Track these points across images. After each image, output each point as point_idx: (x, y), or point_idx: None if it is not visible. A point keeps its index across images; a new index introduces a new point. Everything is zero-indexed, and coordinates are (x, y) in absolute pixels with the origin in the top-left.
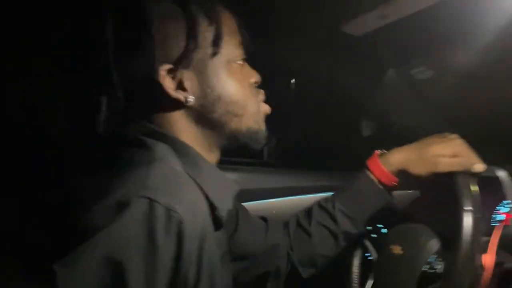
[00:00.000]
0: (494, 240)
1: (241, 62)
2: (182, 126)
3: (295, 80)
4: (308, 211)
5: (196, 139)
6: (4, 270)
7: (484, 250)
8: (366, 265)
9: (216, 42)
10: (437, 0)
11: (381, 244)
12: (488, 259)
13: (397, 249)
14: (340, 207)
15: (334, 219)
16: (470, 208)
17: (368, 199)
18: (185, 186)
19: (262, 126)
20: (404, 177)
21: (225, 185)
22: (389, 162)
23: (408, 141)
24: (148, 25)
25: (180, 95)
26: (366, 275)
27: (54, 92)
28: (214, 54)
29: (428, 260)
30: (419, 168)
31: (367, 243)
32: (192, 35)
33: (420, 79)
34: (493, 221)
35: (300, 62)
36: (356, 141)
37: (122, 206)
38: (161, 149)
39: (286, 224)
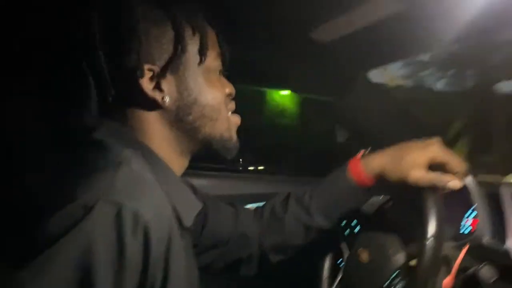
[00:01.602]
0: (457, 263)
1: (218, 73)
2: (156, 128)
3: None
4: (284, 202)
5: (169, 142)
6: None
7: (449, 261)
8: (337, 267)
9: (201, 51)
10: (404, 6)
11: (352, 243)
12: (448, 284)
13: (364, 255)
14: (316, 202)
15: (308, 213)
16: (433, 235)
17: (344, 198)
18: (152, 191)
19: (234, 136)
20: (382, 182)
21: (190, 199)
22: (368, 166)
23: (382, 147)
24: (134, 25)
25: (157, 95)
26: (335, 276)
27: (22, 94)
28: (198, 62)
29: (391, 275)
30: (393, 176)
31: (340, 240)
32: (177, 41)
33: (391, 85)
34: (460, 227)
35: (271, 70)
36: (330, 147)
37: (89, 209)
38: (129, 154)
39: (259, 210)
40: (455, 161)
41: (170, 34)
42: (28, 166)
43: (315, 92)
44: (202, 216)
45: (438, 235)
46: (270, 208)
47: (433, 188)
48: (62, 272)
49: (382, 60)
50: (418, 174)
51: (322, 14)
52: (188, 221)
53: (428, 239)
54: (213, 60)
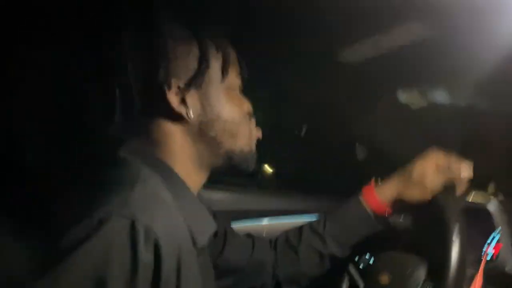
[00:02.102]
0: (480, 271)
1: (238, 91)
2: (179, 142)
3: (291, 104)
4: (298, 231)
5: (190, 156)
6: None
7: (471, 281)
8: None
9: (224, 68)
10: (429, 34)
11: (369, 273)
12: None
13: (384, 278)
14: (331, 230)
15: (323, 242)
16: (458, 237)
17: (359, 226)
18: (165, 209)
19: (253, 148)
20: (400, 204)
21: (206, 219)
22: (383, 193)
23: (401, 165)
24: (163, 43)
25: (182, 110)
26: None
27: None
28: (221, 79)
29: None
30: (411, 194)
31: (354, 273)
32: (202, 58)
33: (415, 108)
34: (482, 254)
35: (295, 88)
36: (350, 165)
37: (103, 223)
38: (147, 172)
39: (273, 241)
40: (457, 160)
41: (195, 51)
42: (51, 180)
43: (338, 111)
44: (219, 240)
45: (462, 237)
46: (284, 238)
47: (450, 188)
48: (76, 283)
49: (407, 83)
50: (432, 180)
51: (349, 36)
52: (202, 240)
53: (453, 241)
54: (234, 78)
